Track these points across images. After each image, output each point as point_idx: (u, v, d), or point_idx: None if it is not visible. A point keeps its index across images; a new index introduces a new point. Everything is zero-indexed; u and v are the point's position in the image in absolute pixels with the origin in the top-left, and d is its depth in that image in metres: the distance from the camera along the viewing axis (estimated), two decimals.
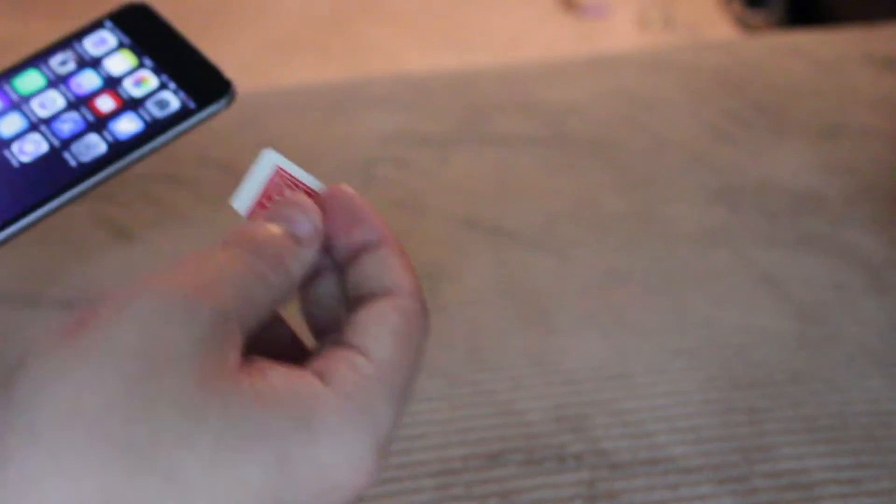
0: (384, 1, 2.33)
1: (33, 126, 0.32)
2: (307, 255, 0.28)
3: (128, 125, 0.32)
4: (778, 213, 0.61)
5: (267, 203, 0.30)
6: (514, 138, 0.71)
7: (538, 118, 0.74)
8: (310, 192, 0.30)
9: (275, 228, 0.28)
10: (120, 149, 0.32)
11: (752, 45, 0.93)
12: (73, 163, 0.31)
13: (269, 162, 0.31)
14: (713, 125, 0.72)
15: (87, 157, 0.31)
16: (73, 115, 0.32)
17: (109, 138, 0.32)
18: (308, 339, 0.30)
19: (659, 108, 0.75)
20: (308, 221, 0.29)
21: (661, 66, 0.82)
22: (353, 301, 0.28)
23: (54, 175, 0.31)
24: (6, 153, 0.31)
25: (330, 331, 0.29)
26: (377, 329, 0.27)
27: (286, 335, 0.30)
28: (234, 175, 0.68)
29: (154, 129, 0.32)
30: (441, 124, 0.73)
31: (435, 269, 0.56)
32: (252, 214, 0.30)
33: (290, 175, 0.31)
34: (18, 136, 0.32)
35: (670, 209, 0.62)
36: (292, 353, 0.29)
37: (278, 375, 0.25)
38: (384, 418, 0.25)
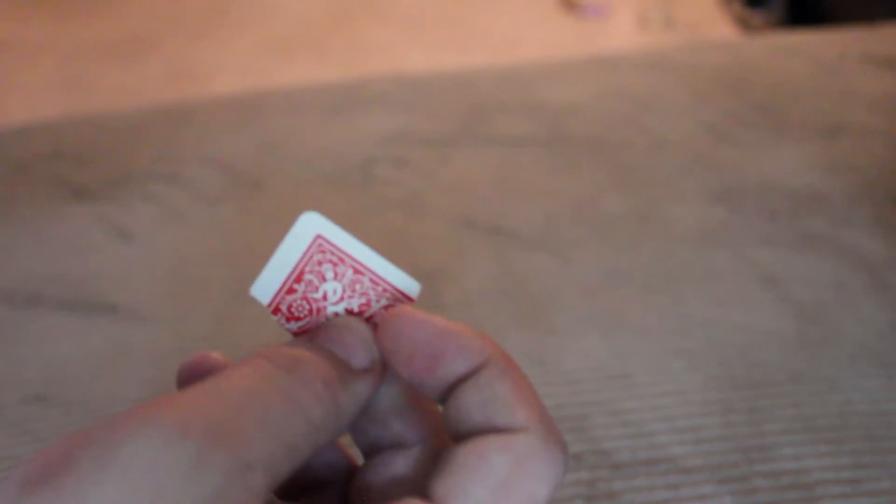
0: (384, 1, 2.33)
1: None
2: (362, 390, 0.22)
3: None
4: (778, 213, 0.61)
5: (296, 286, 0.24)
6: (514, 138, 0.71)
7: (538, 118, 0.74)
8: (360, 270, 0.24)
9: (322, 352, 0.22)
10: None
11: (752, 45, 0.93)
12: None
13: (306, 230, 0.23)
14: (713, 125, 0.72)
15: None
16: None
17: None
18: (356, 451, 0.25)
19: (659, 108, 0.75)
20: (365, 352, 0.22)
21: (661, 66, 0.82)
22: (454, 440, 0.22)
23: None
24: None
25: (382, 446, 0.23)
26: (469, 477, 0.20)
27: (335, 452, 0.25)
28: (235, 175, 0.68)
29: None
30: (441, 124, 0.73)
31: (435, 269, 0.56)
32: (278, 307, 0.24)
33: (335, 246, 0.24)
34: None
35: (670, 209, 0.62)
36: (335, 469, 0.24)
37: None
38: None
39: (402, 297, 0.24)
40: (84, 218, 0.63)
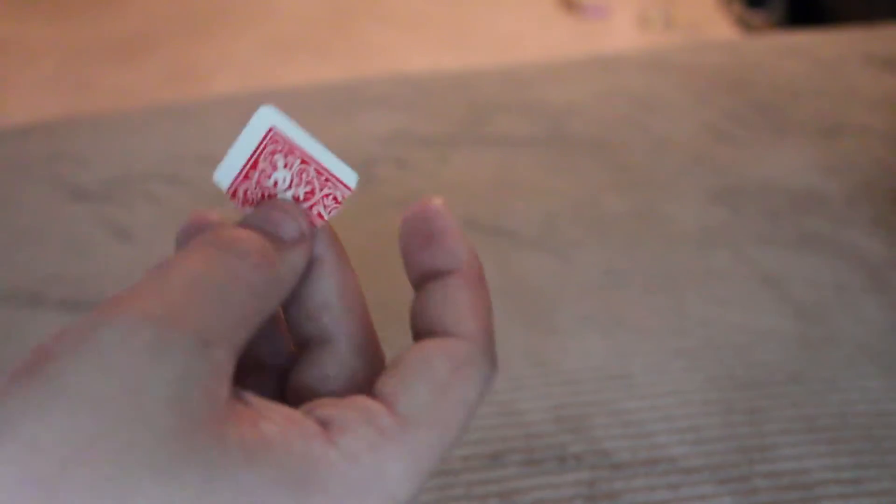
0: (385, 1, 2.33)
1: None
2: (295, 259, 0.24)
3: None
4: (778, 213, 0.61)
5: (251, 173, 0.26)
6: (514, 138, 0.71)
7: (538, 118, 0.74)
8: (307, 160, 0.26)
9: (255, 229, 0.24)
10: None
11: (752, 45, 0.93)
12: None
13: (262, 122, 0.26)
14: (713, 125, 0.72)
15: None
16: None
17: None
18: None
19: (659, 108, 0.75)
20: (293, 223, 0.25)
21: (661, 66, 0.82)
22: (414, 336, 0.24)
23: None
24: None
25: (313, 340, 0.25)
26: (413, 377, 0.22)
27: (278, 337, 0.27)
28: None
29: None
30: (441, 124, 0.73)
31: None
32: (235, 192, 0.26)
33: (286, 138, 0.26)
34: None
35: (670, 209, 0.62)
36: (276, 351, 0.27)
37: (272, 426, 0.20)
38: (400, 489, 0.21)
39: (341, 186, 0.26)
40: (84, 218, 0.63)
